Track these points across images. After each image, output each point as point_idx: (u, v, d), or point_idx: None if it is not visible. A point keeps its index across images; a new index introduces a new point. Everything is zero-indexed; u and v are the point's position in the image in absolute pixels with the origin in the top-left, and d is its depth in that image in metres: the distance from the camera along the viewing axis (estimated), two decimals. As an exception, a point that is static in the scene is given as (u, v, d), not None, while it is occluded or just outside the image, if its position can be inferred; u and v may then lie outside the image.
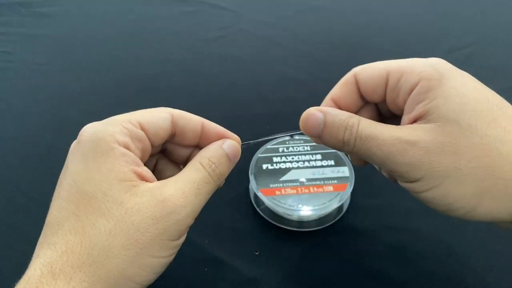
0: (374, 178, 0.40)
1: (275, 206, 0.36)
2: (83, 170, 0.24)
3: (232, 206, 0.39)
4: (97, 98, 0.52)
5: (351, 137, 0.26)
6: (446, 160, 0.23)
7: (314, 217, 0.37)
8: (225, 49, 0.60)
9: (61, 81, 0.54)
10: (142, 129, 0.26)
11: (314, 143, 0.41)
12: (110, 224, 0.23)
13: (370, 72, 0.28)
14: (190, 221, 0.25)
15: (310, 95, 0.50)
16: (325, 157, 0.40)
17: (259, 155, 0.40)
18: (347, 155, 0.40)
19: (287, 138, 0.42)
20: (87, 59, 0.58)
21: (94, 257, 0.22)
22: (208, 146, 0.28)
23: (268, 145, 0.41)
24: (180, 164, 0.31)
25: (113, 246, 0.22)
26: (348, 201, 0.38)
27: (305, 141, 0.41)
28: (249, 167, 0.39)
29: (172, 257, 0.25)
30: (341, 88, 0.29)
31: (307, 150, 0.41)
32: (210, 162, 0.27)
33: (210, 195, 0.27)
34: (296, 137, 0.42)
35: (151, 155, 0.29)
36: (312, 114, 0.27)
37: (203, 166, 0.26)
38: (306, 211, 0.36)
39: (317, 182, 0.38)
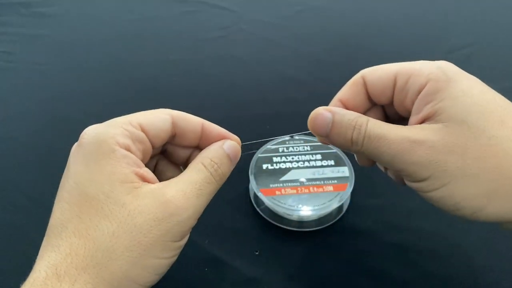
0: (374, 178, 0.40)
1: (275, 206, 0.36)
2: (85, 172, 0.24)
3: (232, 206, 0.39)
4: (97, 98, 0.52)
5: (359, 137, 0.26)
6: (454, 160, 0.24)
7: (314, 217, 0.37)
8: (225, 49, 0.60)
9: (61, 81, 0.54)
10: (143, 130, 0.26)
11: (314, 143, 0.41)
12: (113, 226, 0.23)
13: (378, 73, 0.28)
14: (192, 222, 0.25)
15: (310, 95, 0.50)
16: (325, 157, 0.40)
17: (259, 155, 0.40)
18: (347, 155, 0.40)
19: (287, 138, 0.42)
20: (87, 59, 0.58)
21: (98, 259, 0.22)
22: (209, 147, 0.28)
23: (268, 145, 0.41)
24: (180, 165, 0.31)
25: (116, 248, 0.22)
26: (348, 201, 0.38)
27: (305, 141, 0.41)
28: (249, 167, 0.39)
29: (175, 257, 0.25)
30: (349, 89, 0.29)
31: (307, 150, 0.41)
32: (212, 162, 0.27)
33: (212, 196, 0.27)
34: (296, 137, 0.42)
35: (152, 157, 0.29)
36: (321, 113, 0.27)
37: (205, 166, 0.27)
38: (306, 211, 0.36)
39: (317, 182, 0.38)
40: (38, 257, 0.23)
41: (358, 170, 0.39)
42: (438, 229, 0.36)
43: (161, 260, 0.24)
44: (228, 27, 0.64)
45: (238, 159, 0.29)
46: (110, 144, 0.24)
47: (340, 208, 0.38)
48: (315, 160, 0.40)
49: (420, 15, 0.66)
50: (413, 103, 0.27)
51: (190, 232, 0.26)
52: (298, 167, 0.39)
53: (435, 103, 0.25)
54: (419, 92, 0.26)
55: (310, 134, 0.28)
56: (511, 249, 0.35)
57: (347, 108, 0.29)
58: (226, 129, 0.29)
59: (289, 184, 0.38)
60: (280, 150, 0.41)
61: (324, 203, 0.36)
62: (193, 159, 0.29)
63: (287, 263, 0.35)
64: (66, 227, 0.23)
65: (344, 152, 0.40)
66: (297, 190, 0.37)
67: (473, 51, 0.58)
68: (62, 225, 0.23)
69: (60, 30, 0.64)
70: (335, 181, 0.38)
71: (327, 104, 0.30)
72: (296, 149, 0.41)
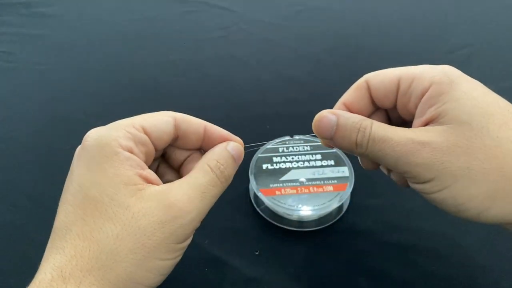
0: (374, 178, 0.40)
1: (275, 206, 0.36)
2: (88, 175, 0.24)
3: (232, 206, 0.39)
4: (97, 98, 0.52)
5: (364, 139, 0.26)
6: (458, 161, 0.24)
7: (314, 217, 0.37)
8: (225, 49, 0.60)
9: (61, 81, 0.54)
10: (146, 133, 0.26)
11: (314, 143, 0.41)
12: (117, 228, 0.23)
13: (381, 78, 0.29)
14: (196, 224, 0.25)
15: (310, 95, 0.50)
16: (325, 157, 0.40)
17: (259, 155, 0.40)
18: (347, 155, 0.40)
19: (287, 138, 0.42)
20: (87, 59, 0.58)
21: (103, 261, 0.22)
22: (213, 148, 0.28)
23: (268, 145, 0.41)
24: (176, 168, 0.31)
25: (121, 250, 0.23)
26: (348, 201, 0.38)
27: (305, 141, 0.41)
28: (249, 167, 0.39)
29: (179, 258, 0.25)
30: (353, 93, 0.30)
31: (307, 150, 0.41)
32: (218, 164, 0.27)
33: (216, 198, 0.27)
34: (296, 137, 0.42)
35: (154, 159, 0.29)
36: (325, 116, 0.27)
37: (211, 168, 0.26)
38: (306, 211, 0.36)
39: (317, 182, 0.38)
40: (43, 259, 0.23)
41: (358, 170, 0.38)
42: (438, 229, 0.36)
43: (165, 261, 0.24)
44: (228, 27, 0.64)
45: (241, 160, 0.29)
46: (113, 147, 0.25)
47: (340, 208, 0.38)
48: (315, 160, 0.40)
49: (420, 15, 0.66)
50: (416, 107, 0.27)
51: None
52: (298, 167, 0.39)
53: (439, 105, 0.25)
54: (422, 95, 0.26)
55: (313, 137, 0.28)
56: (511, 249, 0.35)
57: (351, 112, 0.29)
58: (226, 129, 0.29)
59: (289, 184, 0.38)
60: (280, 150, 0.41)
61: (324, 203, 0.36)
62: (191, 161, 0.29)
63: (287, 263, 0.35)
64: (70, 229, 0.23)
65: (344, 152, 0.40)
66: (297, 190, 0.37)
67: (473, 51, 0.58)
68: (66, 227, 0.23)
69: (60, 30, 0.64)
70: (335, 181, 0.38)
71: (327, 104, 0.30)
72: (296, 149, 0.41)
